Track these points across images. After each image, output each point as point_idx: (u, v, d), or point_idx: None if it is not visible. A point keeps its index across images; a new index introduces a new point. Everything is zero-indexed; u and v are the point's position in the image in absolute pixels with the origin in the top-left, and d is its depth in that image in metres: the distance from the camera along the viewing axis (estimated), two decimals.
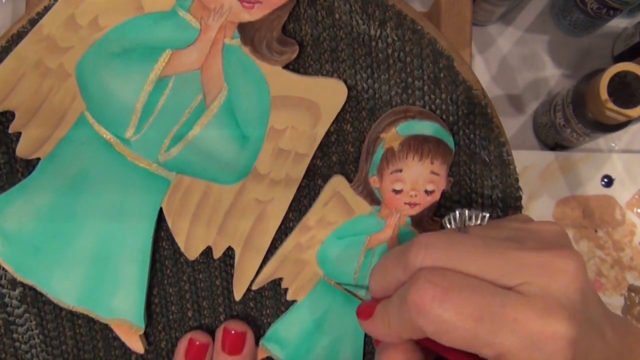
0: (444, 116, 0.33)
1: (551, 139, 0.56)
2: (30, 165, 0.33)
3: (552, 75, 0.59)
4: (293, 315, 0.35)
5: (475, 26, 0.58)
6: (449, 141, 0.33)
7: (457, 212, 0.28)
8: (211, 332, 0.35)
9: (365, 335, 0.35)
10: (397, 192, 0.32)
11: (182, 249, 0.34)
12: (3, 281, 0.34)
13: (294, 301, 0.35)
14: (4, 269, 0.33)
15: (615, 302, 0.56)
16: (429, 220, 0.34)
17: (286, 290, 0.34)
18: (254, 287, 0.34)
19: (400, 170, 0.32)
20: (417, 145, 0.32)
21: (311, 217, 0.33)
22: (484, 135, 0.33)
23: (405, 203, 0.33)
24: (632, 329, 0.29)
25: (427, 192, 0.33)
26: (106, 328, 0.34)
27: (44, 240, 0.33)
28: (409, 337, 0.26)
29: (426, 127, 0.32)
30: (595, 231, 0.57)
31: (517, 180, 0.34)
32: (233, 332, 0.34)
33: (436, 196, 0.33)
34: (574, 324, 0.23)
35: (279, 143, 0.33)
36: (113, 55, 0.31)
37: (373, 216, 0.33)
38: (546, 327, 0.23)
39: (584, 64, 0.59)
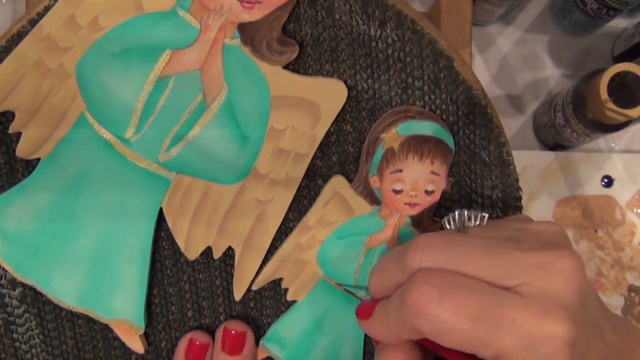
0: (444, 116, 0.33)
1: (551, 139, 0.56)
2: (30, 165, 0.33)
3: (552, 75, 0.59)
4: (293, 315, 0.35)
5: (475, 26, 0.58)
6: (449, 141, 0.33)
7: (457, 213, 0.28)
8: (211, 332, 0.35)
9: (365, 336, 0.35)
10: (397, 192, 0.32)
11: (182, 249, 0.34)
12: (3, 281, 0.34)
13: (294, 301, 0.35)
14: (4, 269, 0.33)
15: (615, 302, 0.56)
16: (429, 220, 0.34)
17: (286, 290, 0.34)
18: (254, 287, 0.34)
19: (401, 171, 0.32)
20: (417, 145, 0.32)
21: (311, 217, 0.33)
22: (484, 135, 0.33)
23: (406, 203, 0.33)
24: (632, 329, 0.29)
25: (427, 192, 0.33)
26: (106, 328, 0.34)
27: (44, 240, 0.33)
28: (408, 337, 0.26)
29: (426, 127, 0.32)
30: (595, 231, 0.57)
31: (517, 180, 0.34)
32: (233, 332, 0.34)
33: (436, 196, 0.33)
34: (572, 324, 0.23)
35: (279, 143, 0.33)
36: (113, 55, 0.31)
37: (373, 216, 0.33)
38: (544, 327, 0.23)
39: (584, 64, 0.59)
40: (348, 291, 0.34)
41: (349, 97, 0.33)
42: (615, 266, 0.56)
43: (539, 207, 0.56)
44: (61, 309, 0.34)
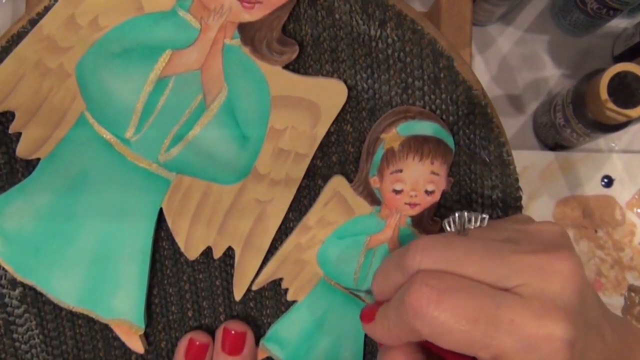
0: (444, 116, 0.33)
1: (551, 139, 0.56)
2: (30, 165, 0.33)
3: (552, 75, 0.59)
4: (293, 315, 0.35)
5: (475, 26, 0.58)
6: (449, 141, 0.33)
7: (457, 215, 0.28)
8: (211, 332, 0.35)
9: (366, 336, 0.35)
10: (397, 192, 0.32)
11: (182, 249, 0.34)
12: (3, 281, 0.34)
13: (294, 301, 0.35)
14: (4, 269, 0.33)
15: (615, 302, 0.56)
16: (429, 220, 0.34)
17: (286, 290, 0.34)
18: (254, 287, 0.34)
19: (401, 171, 0.32)
20: (417, 145, 0.32)
21: (311, 217, 0.33)
22: (484, 135, 0.33)
23: (406, 203, 0.33)
24: (631, 329, 0.29)
25: (427, 192, 0.33)
26: (106, 328, 0.34)
27: (44, 240, 0.33)
28: (408, 339, 0.26)
29: (426, 128, 0.32)
30: (595, 231, 0.57)
31: (517, 180, 0.34)
32: (233, 332, 0.34)
33: (436, 196, 0.33)
34: (570, 325, 0.23)
35: (279, 143, 0.33)
36: (113, 55, 0.31)
37: (373, 216, 0.33)
38: (543, 328, 0.23)
39: (584, 64, 0.59)
40: (349, 291, 0.34)
41: (349, 97, 0.33)
42: (615, 266, 0.56)
43: (539, 207, 0.56)
44: (61, 309, 0.34)
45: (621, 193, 0.57)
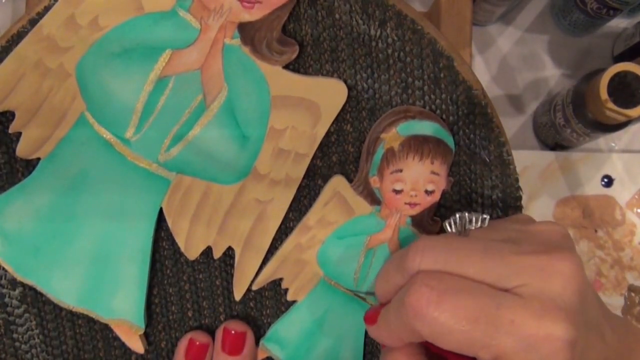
0: (444, 116, 0.33)
1: (551, 139, 0.56)
2: (30, 165, 0.33)
3: (552, 75, 0.59)
4: (293, 315, 0.35)
5: (475, 26, 0.58)
6: (449, 141, 0.33)
7: (458, 216, 0.28)
8: (211, 332, 0.35)
9: (366, 336, 0.35)
10: (397, 192, 0.32)
11: (182, 249, 0.34)
12: (3, 281, 0.34)
13: (294, 301, 0.35)
14: (4, 269, 0.33)
15: (615, 302, 0.56)
16: (429, 220, 0.34)
17: (286, 290, 0.34)
18: (254, 287, 0.34)
19: (401, 171, 0.32)
20: (417, 145, 0.32)
21: (311, 217, 0.33)
22: (484, 135, 0.33)
23: (406, 203, 0.33)
24: (631, 329, 0.29)
25: (427, 192, 0.33)
26: (106, 328, 0.34)
27: (44, 240, 0.33)
28: (409, 340, 0.26)
29: (426, 127, 0.32)
30: (595, 231, 0.57)
31: (517, 180, 0.34)
32: (233, 332, 0.34)
33: (436, 196, 0.33)
34: (571, 325, 0.23)
35: (279, 143, 0.33)
36: (113, 55, 0.31)
37: (373, 216, 0.33)
38: (543, 328, 0.23)
39: (584, 64, 0.59)
40: (349, 291, 0.34)
41: (349, 97, 0.33)
42: (615, 266, 0.56)
43: (539, 207, 0.56)
44: (61, 309, 0.34)
45: (621, 193, 0.57)
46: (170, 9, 0.31)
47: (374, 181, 0.33)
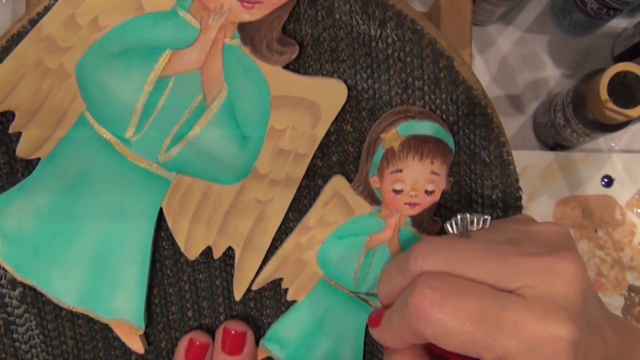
0: (444, 116, 0.33)
1: (551, 139, 0.56)
2: (30, 165, 0.33)
3: (552, 75, 0.59)
4: (293, 315, 0.35)
5: (475, 26, 0.58)
6: (449, 141, 0.33)
7: (459, 217, 0.28)
8: (211, 332, 0.35)
9: (366, 336, 0.35)
10: (397, 192, 0.32)
11: (182, 249, 0.34)
12: (3, 281, 0.34)
13: (294, 301, 0.35)
14: (4, 269, 0.33)
15: (615, 302, 0.56)
16: (429, 220, 0.34)
17: (286, 290, 0.34)
18: (254, 287, 0.34)
19: (401, 171, 0.32)
20: (417, 145, 0.32)
21: (311, 217, 0.33)
22: (484, 135, 0.33)
23: (406, 203, 0.33)
24: (631, 330, 0.29)
25: (427, 192, 0.33)
26: (106, 328, 0.34)
27: (44, 240, 0.33)
28: (412, 341, 0.26)
29: (426, 127, 0.32)
30: (595, 231, 0.57)
31: (517, 180, 0.34)
32: (233, 332, 0.34)
33: (436, 196, 0.33)
34: (574, 326, 0.23)
35: (279, 143, 0.33)
36: (113, 55, 0.31)
37: (373, 216, 0.33)
38: (546, 329, 0.23)
39: (584, 64, 0.59)
40: (349, 291, 0.34)
41: (349, 97, 0.33)
42: (615, 266, 0.56)
43: (539, 207, 0.56)
44: (61, 309, 0.34)
45: (621, 193, 0.57)
46: (170, 9, 0.31)
47: (374, 181, 0.33)
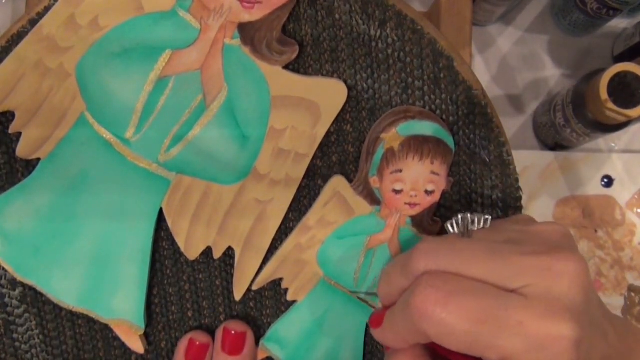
0: (444, 116, 0.33)
1: (551, 139, 0.56)
2: (30, 165, 0.33)
3: (552, 75, 0.59)
4: (293, 315, 0.35)
5: (475, 26, 0.58)
6: (449, 141, 0.33)
7: (460, 217, 0.28)
8: (211, 332, 0.35)
9: (366, 336, 0.35)
10: (397, 192, 0.32)
11: (182, 249, 0.34)
12: (3, 281, 0.34)
13: (294, 301, 0.35)
14: (4, 269, 0.33)
15: (615, 302, 0.56)
16: (429, 220, 0.34)
17: (286, 290, 0.34)
18: (254, 287, 0.34)
19: (401, 171, 0.32)
20: (417, 145, 0.32)
21: (311, 217, 0.33)
22: (484, 135, 0.33)
23: (406, 203, 0.33)
24: (632, 329, 0.29)
25: (427, 192, 0.33)
26: (106, 328, 0.34)
27: (44, 240, 0.33)
28: (415, 341, 0.26)
29: (426, 128, 0.32)
30: (595, 231, 0.57)
31: (517, 180, 0.34)
32: (233, 332, 0.34)
33: (436, 196, 0.33)
34: (577, 325, 0.23)
35: (279, 143, 0.33)
36: (113, 55, 0.31)
37: (373, 216, 0.33)
38: (550, 328, 0.23)
39: (584, 64, 0.59)
40: (349, 291, 0.34)
41: (349, 97, 0.33)
42: (615, 266, 0.56)
43: (539, 207, 0.56)
44: (61, 309, 0.34)
45: (621, 193, 0.57)
46: (170, 9, 0.31)
47: (374, 181, 0.33)
